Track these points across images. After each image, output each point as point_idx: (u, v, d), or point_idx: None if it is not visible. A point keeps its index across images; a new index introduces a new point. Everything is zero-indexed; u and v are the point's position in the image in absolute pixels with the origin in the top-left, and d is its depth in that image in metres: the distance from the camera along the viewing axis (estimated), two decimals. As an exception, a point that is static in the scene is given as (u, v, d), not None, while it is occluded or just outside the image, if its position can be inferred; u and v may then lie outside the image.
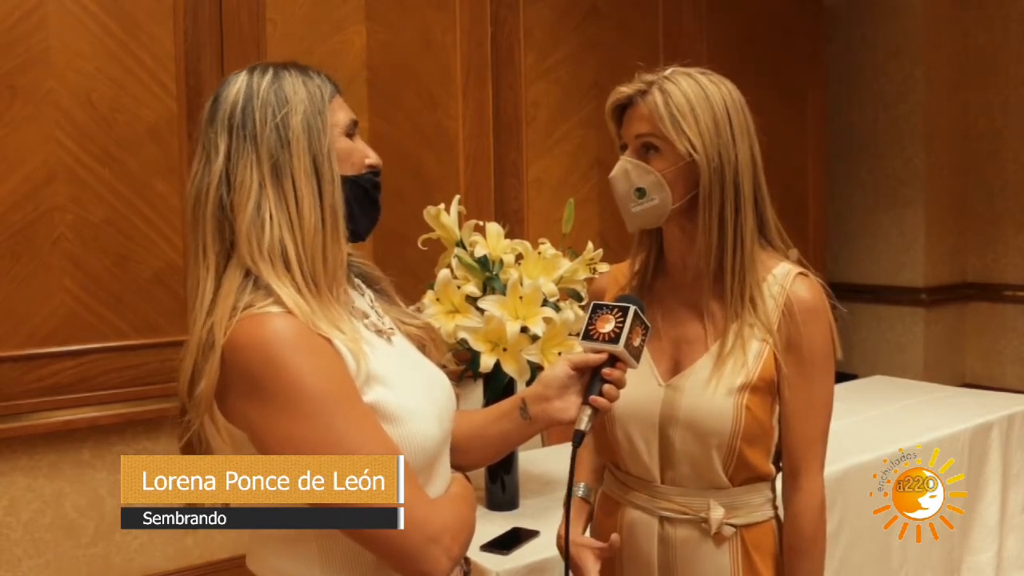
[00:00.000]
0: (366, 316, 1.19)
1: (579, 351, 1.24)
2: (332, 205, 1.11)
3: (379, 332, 1.18)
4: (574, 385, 1.21)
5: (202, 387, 1.03)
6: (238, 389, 1.03)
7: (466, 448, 1.26)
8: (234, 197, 1.08)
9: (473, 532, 1.15)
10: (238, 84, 1.13)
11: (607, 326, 1.21)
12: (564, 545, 1.27)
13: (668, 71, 1.38)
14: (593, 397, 1.18)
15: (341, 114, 1.16)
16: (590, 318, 1.23)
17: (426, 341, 1.26)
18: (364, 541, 1.04)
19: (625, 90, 1.38)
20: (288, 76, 1.13)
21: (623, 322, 1.20)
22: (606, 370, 1.19)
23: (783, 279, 1.38)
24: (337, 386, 1.04)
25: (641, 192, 1.35)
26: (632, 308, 1.21)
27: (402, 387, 1.12)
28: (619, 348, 1.19)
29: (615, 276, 1.54)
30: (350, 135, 1.17)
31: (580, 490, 1.56)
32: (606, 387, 1.19)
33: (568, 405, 1.20)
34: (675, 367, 1.40)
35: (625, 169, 1.37)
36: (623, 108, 1.40)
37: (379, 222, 1.23)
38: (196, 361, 1.04)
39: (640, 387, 1.37)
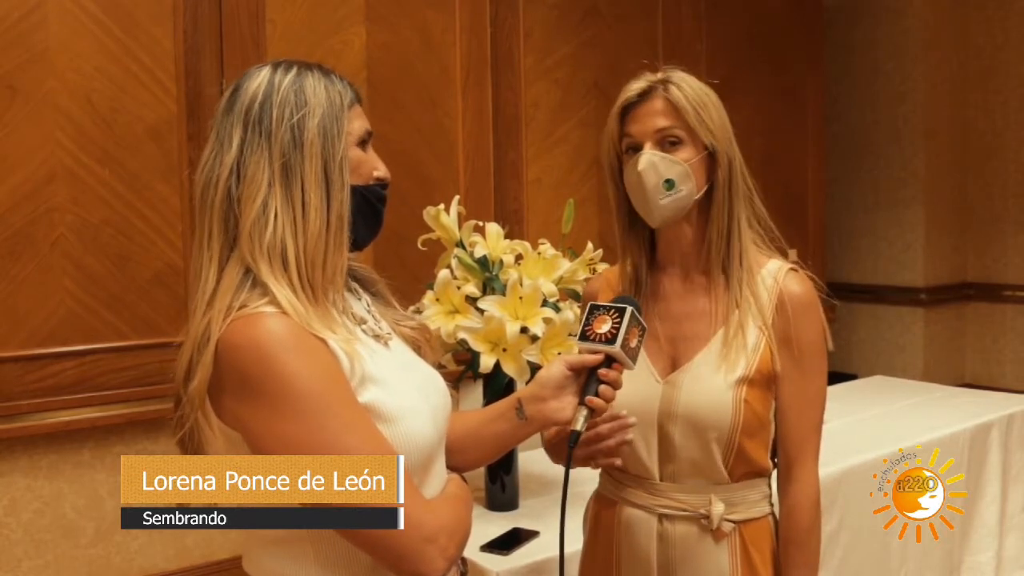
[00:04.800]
0: (364, 321, 1.18)
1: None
2: (339, 213, 1.11)
3: (377, 337, 1.18)
4: (570, 385, 1.21)
5: (195, 383, 1.03)
6: (231, 388, 1.03)
7: (462, 449, 1.26)
8: (242, 191, 1.08)
9: (469, 532, 1.14)
10: (260, 78, 1.12)
11: (604, 327, 1.21)
12: (560, 544, 1.26)
13: (668, 69, 1.40)
14: (589, 398, 1.19)
15: (357, 123, 1.16)
16: (587, 319, 1.23)
17: (421, 342, 1.26)
18: (360, 542, 1.04)
19: (640, 84, 1.39)
20: (310, 77, 1.13)
21: (620, 323, 1.20)
22: (602, 371, 1.20)
23: (776, 273, 1.41)
24: (331, 386, 1.03)
25: (670, 184, 1.36)
26: (629, 309, 1.21)
27: (397, 387, 1.12)
28: (615, 349, 1.19)
29: (608, 279, 1.54)
30: (363, 145, 1.17)
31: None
32: (602, 388, 1.19)
33: (564, 405, 1.20)
34: (672, 365, 1.41)
35: (652, 161, 1.36)
36: (628, 107, 1.40)
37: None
38: (192, 356, 1.04)
39: (638, 385, 1.38)
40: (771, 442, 1.42)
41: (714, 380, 1.36)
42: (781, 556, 1.41)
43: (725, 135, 1.38)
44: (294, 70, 1.13)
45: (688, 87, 1.37)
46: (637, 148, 1.39)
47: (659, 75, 1.39)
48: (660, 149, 1.37)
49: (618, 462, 1.34)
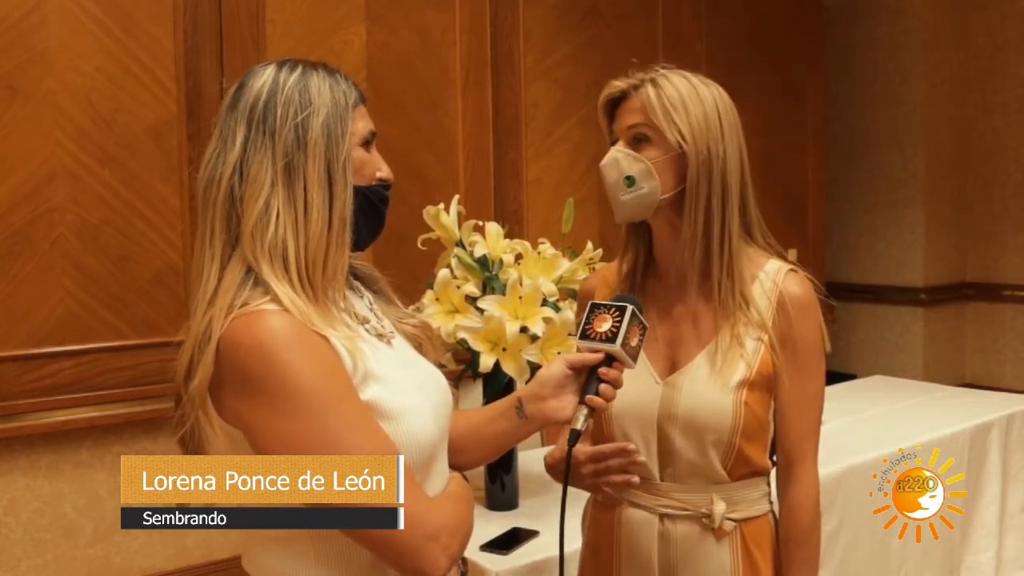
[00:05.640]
0: (366, 320, 1.18)
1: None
2: (341, 214, 1.11)
3: (380, 335, 1.18)
4: (570, 384, 1.21)
5: (196, 382, 1.03)
6: (232, 386, 1.03)
7: (463, 447, 1.25)
8: (245, 190, 1.08)
9: (471, 531, 1.14)
10: (265, 77, 1.12)
11: (604, 325, 1.20)
12: (560, 544, 1.26)
13: (660, 69, 1.40)
14: (589, 397, 1.18)
15: (361, 123, 1.15)
16: (587, 317, 1.23)
17: (422, 340, 1.26)
18: (362, 540, 1.04)
19: (619, 84, 1.41)
20: (315, 77, 1.12)
21: (620, 321, 1.20)
22: (602, 370, 1.19)
23: (775, 275, 1.40)
24: (332, 384, 1.03)
25: (631, 180, 1.37)
26: (630, 307, 1.21)
27: (399, 385, 1.12)
28: (616, 348, 1.19)
29: (604, 277, 1.54)
30: (367, 145, 1.17)
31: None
32: (602, 387, 1.19)
33: (564, 404, 1.20)
34: (671, 366, 1.41)
35: (615, 157, 1.38)
36: (615, 104, 1.42)
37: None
38: (193, 354, 1.04)
39: (637, 386, 1.38)
40: (770, 443, 1.42)
41: (714, 383, 1.36)
42: (782, 555, 1.41)
43: (703, 136, 1.35)
44: (299, 69, 1.13)
45: (669, 86, 1.36)
46: (615, 144, 1.41)
47: (643, 74, 1.40)
48: (629, 146, 1.38)
49: (634, 478, 1.33)
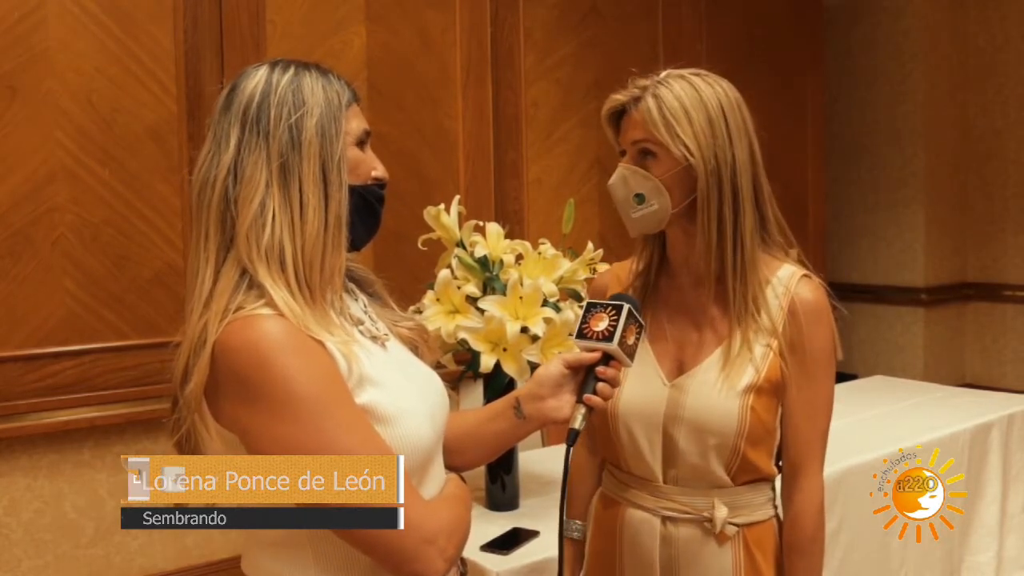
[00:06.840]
0: (361, 322, 1.18)
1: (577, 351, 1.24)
2: (337, 213, 1.10)
3: (374, 338, 1.17)
4: (568, 384, 1.20)
5: (191, 386, 1.02)
6: (228, 391, 1.02)
7: (460, 448, 1.25)
8: (240, 192, 1.08)
9: (468, 533, 1.14)
10: (257, 78, 1.11)
11: (601, 324, 1.20)
12: (559, 544, 1.26)
13: (662, 75, 1.37)
14: (587, 396, 1.18)
15: (355, 123, 1.15)
16: (584, 316, 1.22)
17: (418, 343, 1.26)
18: (359, 543, 1.03)
19: (619, 97, 1.38)
20: (308, 77, 1.12)
21: (617, 320, 1.19)
22: (600, 368, 1.19)
23: (787, 281, 1.38)
24: (328, 388, 1.03)
25: (640, 198, 1.36)
26: (626, 306, 1.20)
27: (395, 389, 1.11)
28: (613, 346, 1.18)
29: (617, 274, 1.53)
30: (361, 145, 1.16)
31: (575, 532, 1.56)
32: (600, 385, 1.18)
33: (562, 404, 1.20)
34: (679, 368, 1.40)
35: (623, 176, 1.37)
36: (619, 114, 1.40)
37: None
38: (189, 358, 1.04)
39: (644, 386, 1.37)
40: (776, 449, 1.41)
41: (721, 387, 1.35)
42: (785, 563, 1.40)
43: (709, 145, 1.32)
44: (291, 69, 1.12)
45: (670, 96, 1.33)
46: (624, 154, 1.39)
47: (646, 82, 1.37)
48: (637, 161, 1.36)
49: None
